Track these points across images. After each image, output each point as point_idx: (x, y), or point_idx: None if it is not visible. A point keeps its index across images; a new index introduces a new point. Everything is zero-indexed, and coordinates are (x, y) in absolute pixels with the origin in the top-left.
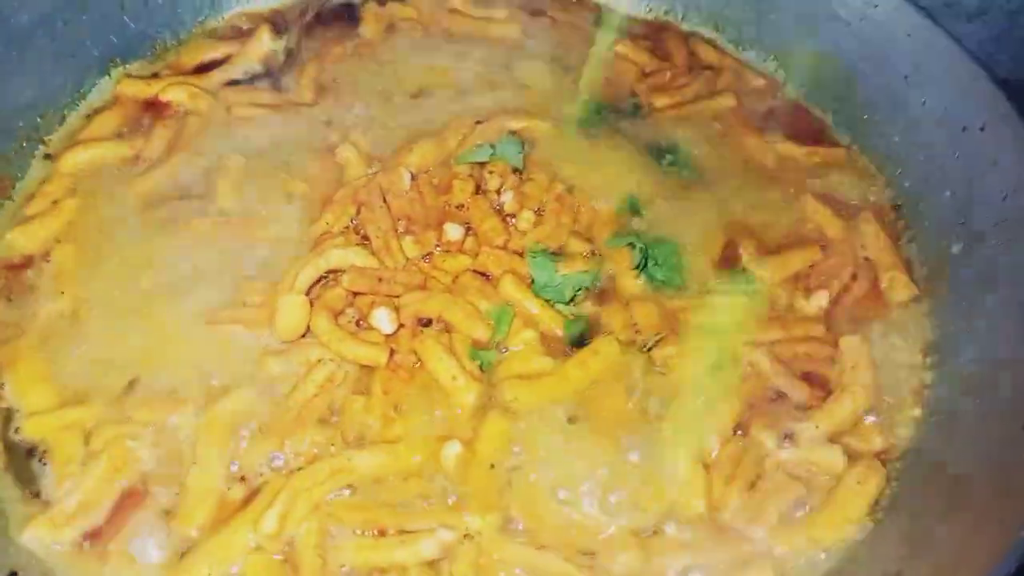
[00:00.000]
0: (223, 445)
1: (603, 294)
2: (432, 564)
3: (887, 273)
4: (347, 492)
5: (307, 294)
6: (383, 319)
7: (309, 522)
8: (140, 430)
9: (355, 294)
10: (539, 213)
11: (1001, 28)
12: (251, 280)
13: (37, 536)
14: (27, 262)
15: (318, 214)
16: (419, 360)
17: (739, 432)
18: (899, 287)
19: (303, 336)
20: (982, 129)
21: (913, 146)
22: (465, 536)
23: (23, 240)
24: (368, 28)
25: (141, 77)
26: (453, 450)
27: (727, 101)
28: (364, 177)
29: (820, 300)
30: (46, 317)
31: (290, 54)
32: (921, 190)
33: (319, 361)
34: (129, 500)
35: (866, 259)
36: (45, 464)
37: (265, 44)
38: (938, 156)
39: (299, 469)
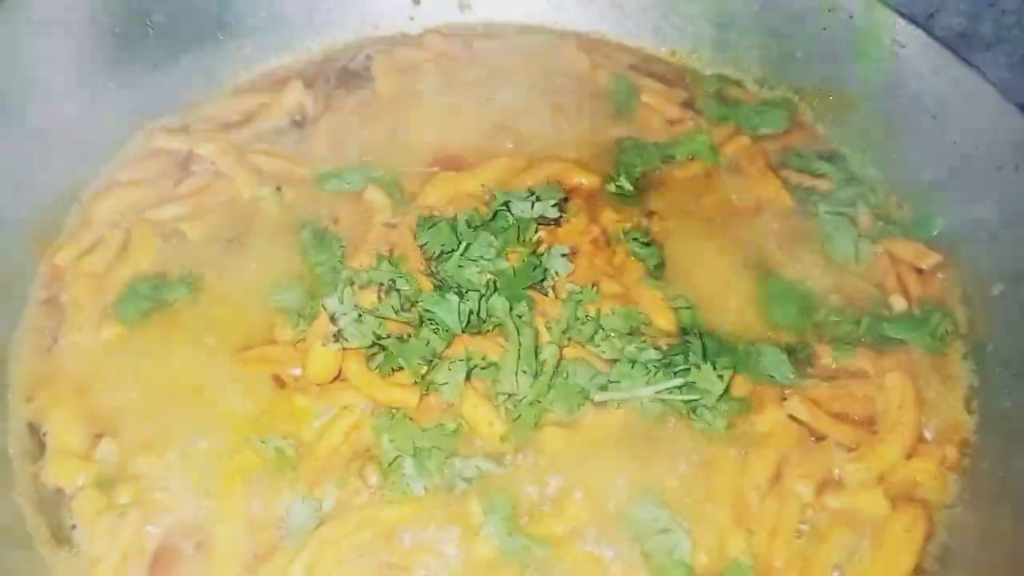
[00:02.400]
0: (247, 497)
1: None
2: None
3: None
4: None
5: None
6: None
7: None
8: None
9: None
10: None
11: (1019, 55)
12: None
13: None
14: None
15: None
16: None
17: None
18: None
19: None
20: (1016, 168)
21: (947, 186)
22: None
23: None
24: (381, 81)
25: (172, 130)
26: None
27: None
28: (395, 218)
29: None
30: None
31: (314, 107)
32: (958, 231)
33: (345, 408)
34: (165, 556)
35: None
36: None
37: (295, 97)
38: (973, 196)
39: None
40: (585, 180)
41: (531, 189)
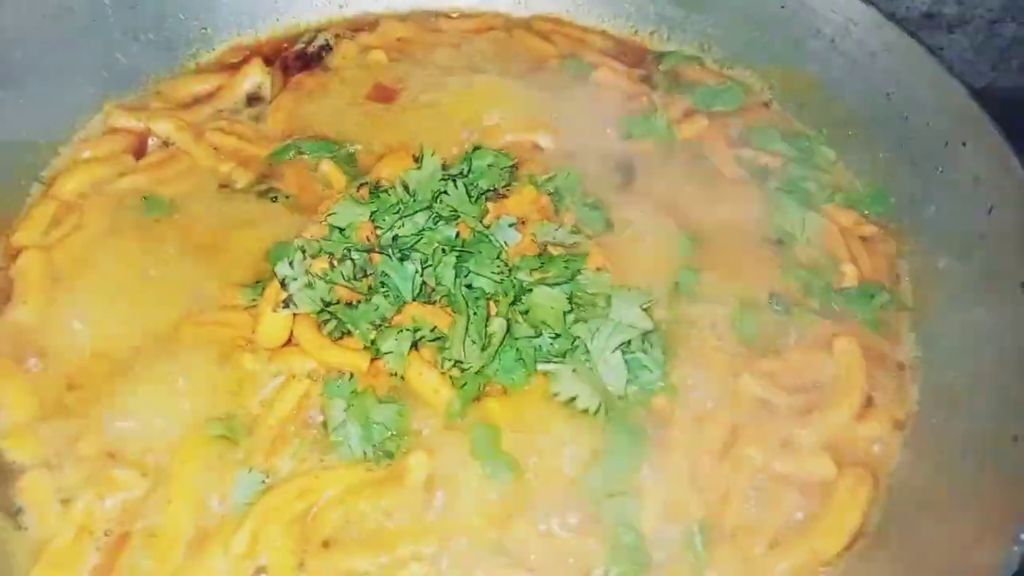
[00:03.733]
0: (194, 473)
1: None
2: None
3: None
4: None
5: None
6: None
7: (283, 543)
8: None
9: None
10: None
11: (982, 37)
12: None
13: None
14: None
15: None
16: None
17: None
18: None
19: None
20: (964, 144)
21: (898, 162)
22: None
23: None
24: (339, 61)
25: (131, 108)
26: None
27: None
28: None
29: None
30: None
31: (272, 87)
32: (907, 206)
33: (294, 377)
34: (117, 534)
35: None
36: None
37: (254, 77)
38: (922, 172)
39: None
40: (542, 142)
41: (479, 154)
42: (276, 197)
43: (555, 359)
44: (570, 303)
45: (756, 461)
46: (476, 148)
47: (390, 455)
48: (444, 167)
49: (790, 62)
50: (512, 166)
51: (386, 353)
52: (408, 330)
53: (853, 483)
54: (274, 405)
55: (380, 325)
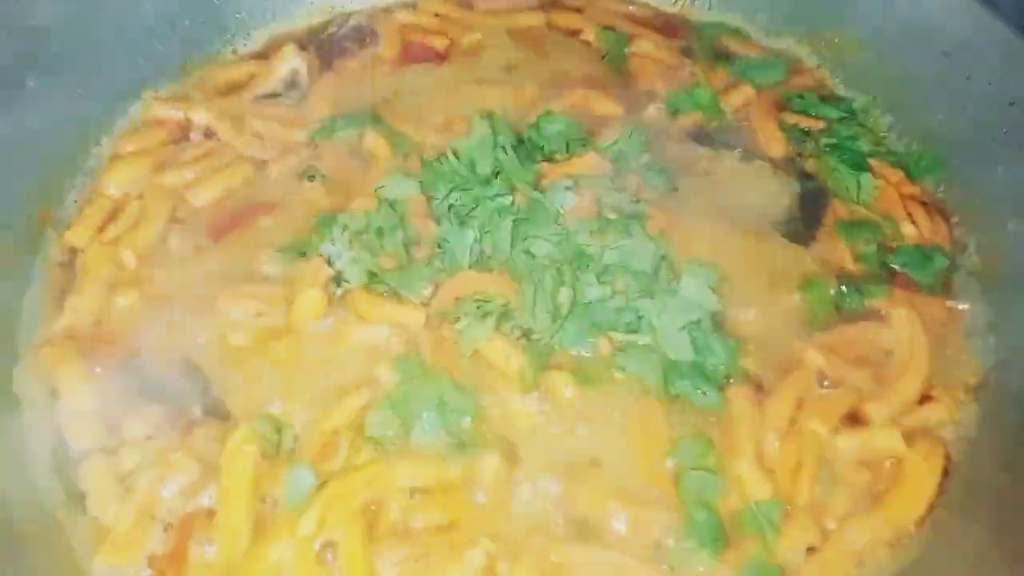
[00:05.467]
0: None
1: None
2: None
3: None
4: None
5: None
6: None
7: (351, 527)
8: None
9: None
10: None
11: None
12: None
13: (108, 564)
14: None
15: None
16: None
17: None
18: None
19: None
20: None
21: (959, 123)
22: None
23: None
24: (385, 44)
25: (170, 99)
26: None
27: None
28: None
29: None
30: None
31: (311, 71)
32: (970, 168)
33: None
34: (181, 520)
35: None
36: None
37: (290, 62)
38: (985, 133)
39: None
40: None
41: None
42: (314, 176)
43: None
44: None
45: (822, 436)
46: (548, 112)
47: (463, 447)
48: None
49: (839, 25)
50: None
51: (459, 330)
52: (477, 302)
53: (925, 454)
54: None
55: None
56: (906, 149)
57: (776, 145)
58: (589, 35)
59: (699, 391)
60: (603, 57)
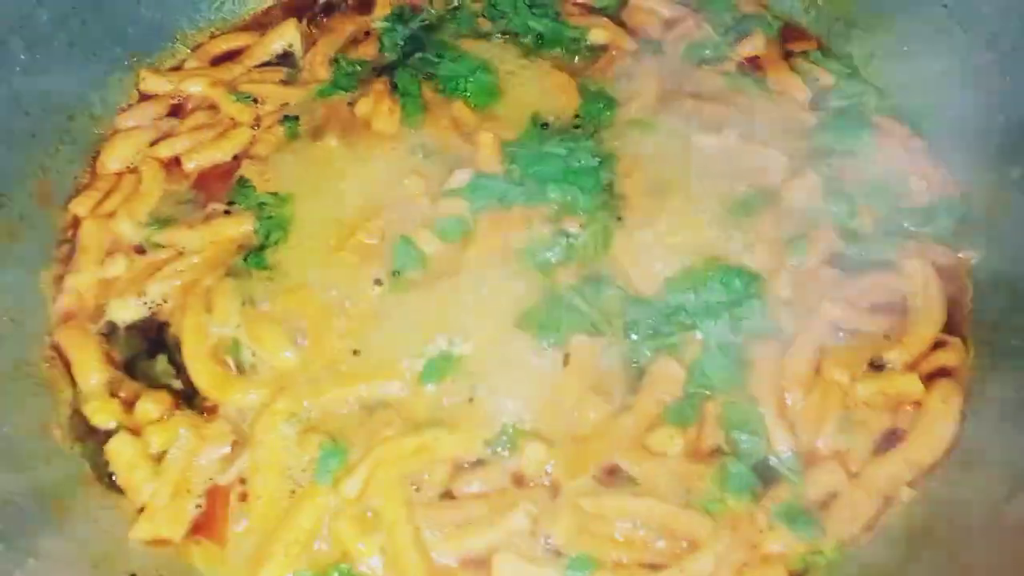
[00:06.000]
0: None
1: None
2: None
3: None
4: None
5: None
6: None
7: (395, 492)
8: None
9: None
10: None
11: None
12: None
13: (143, 536)
14: None
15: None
16: None
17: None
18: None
19: None
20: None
21: (958, 73)
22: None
23: None
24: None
25: (163, 72)
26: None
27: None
28: None
29: None
30: None
31: (304, 38)
32: (972, 118)
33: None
34: (216, 492)
35: None
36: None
37: (288, 37)
38: (986, 82)
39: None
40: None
41: None
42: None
43: None
44: None
45: (844, 384)
46: None
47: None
48: None
49: None
50: None
51: None
52: None
53: (945, 393)
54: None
55: None
56: (909, 102)
57: (797, 89)
58: None
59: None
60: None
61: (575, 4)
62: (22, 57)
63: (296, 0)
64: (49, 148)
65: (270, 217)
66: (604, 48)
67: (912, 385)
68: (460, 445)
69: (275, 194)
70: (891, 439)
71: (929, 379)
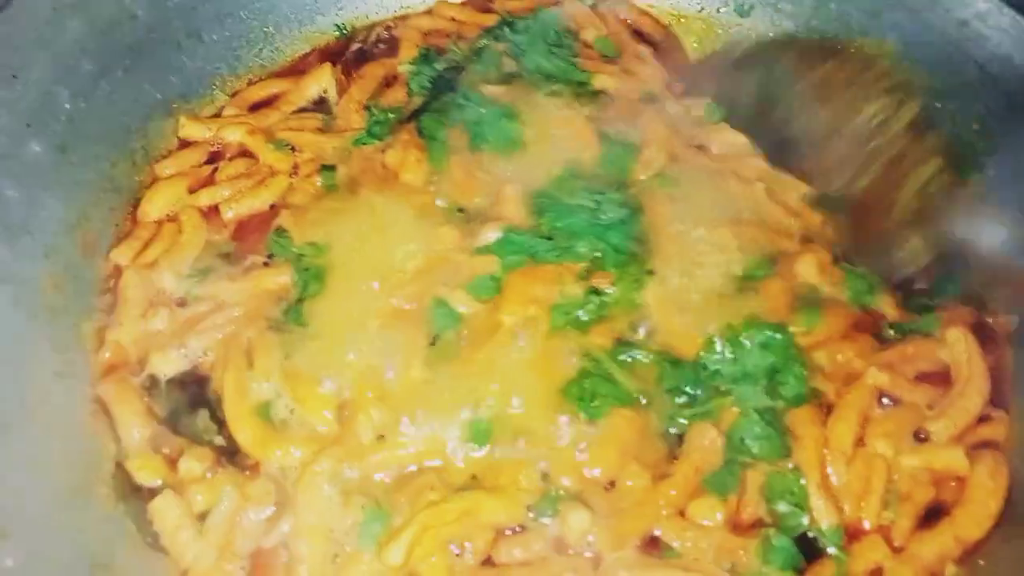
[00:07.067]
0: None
1: None
2: None
3: None
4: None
5: None
6: None
7: (438, 559)
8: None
9: None
10: None
11: None
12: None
13: None
14: None
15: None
16: None
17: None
18: None
19: None
20: None
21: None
22: None
23: None
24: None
25: (202, 119)
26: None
27: None
28: None
29: None
30: None
31: (338, 84)
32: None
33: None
34: (261, 556)
35: None
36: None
37: (323, 82)
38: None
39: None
40: None
41: None
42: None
43: None
44: None
45: (888, 456)
46: None
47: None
48: None
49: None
50: None
51: None
52: None
53: (991, 467)
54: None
55: None
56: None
57: None
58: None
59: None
60: None
61: (586, 46)
62: (67, 107)
63: (332, 46)
64: (92, 196)
65: (307, 269)
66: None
67: (958, 460)
68: (504, 510)
69: (312, 244)
70: (934, 513)
71: (973, 450)
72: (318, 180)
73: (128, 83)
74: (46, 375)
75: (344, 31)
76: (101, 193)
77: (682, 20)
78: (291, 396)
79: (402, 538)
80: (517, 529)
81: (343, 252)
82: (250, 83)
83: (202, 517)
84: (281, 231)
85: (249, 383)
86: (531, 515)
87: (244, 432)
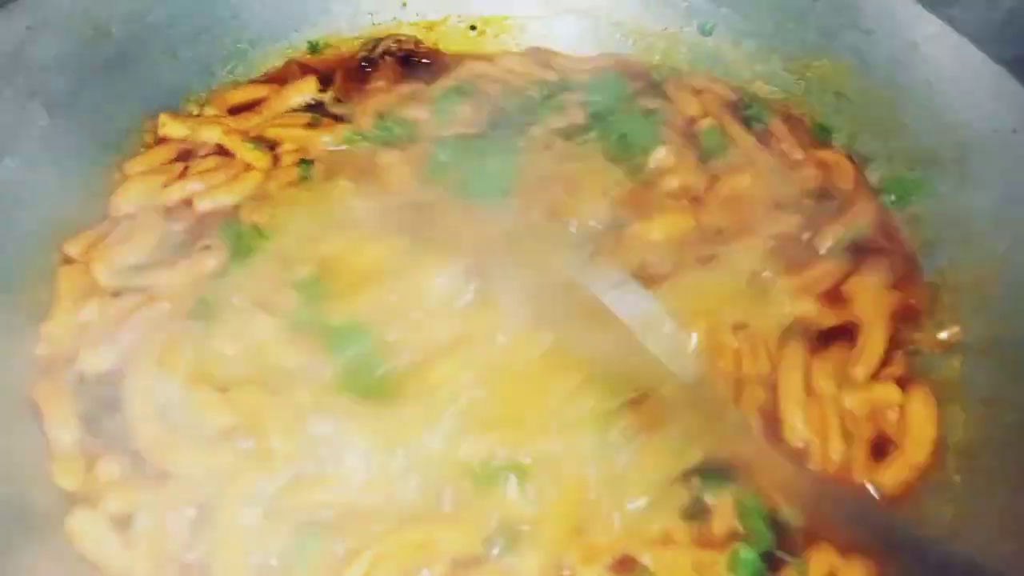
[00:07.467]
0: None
1: None
2: None
3: None
4: None
5: None
6: None
7: None
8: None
9: None
10: None
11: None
12: None
13: None
14: None
15: None
16: None
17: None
18: None
19: None
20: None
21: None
22: None
23: None
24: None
25: (183, 116)
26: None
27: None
28: None
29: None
30: None
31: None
32: (957, 195)
33: None
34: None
35: None
36: None
37: (309, 92)
38: (972, 161)
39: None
40: None
41: None
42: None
43: None
44: None
45: (834, 393)
46: None
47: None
48: None
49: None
50: None
51: None
52: None
53: (922, 397)
54: None
55: None
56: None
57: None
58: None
59: None
60: None
61: None
62: (41, 124)
63: (317, 62)
64: (71, 205)
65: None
66: None
67: (892, 392)
68: (460, 541)
69: (255, 226)
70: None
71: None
72: (294, 172)
73: (103, 99)
74: None
75: (317, 48)
76: (75, 208)
77: (647, 38)
78: (194, 399)
79: (354, 568)
80: (472, 559)
81: (286, 235)
82: (235, 85)
83: (123, 524)
84: (234, 215)
85: (155, 383)
86: (486, 547)
87: (146, 436)
